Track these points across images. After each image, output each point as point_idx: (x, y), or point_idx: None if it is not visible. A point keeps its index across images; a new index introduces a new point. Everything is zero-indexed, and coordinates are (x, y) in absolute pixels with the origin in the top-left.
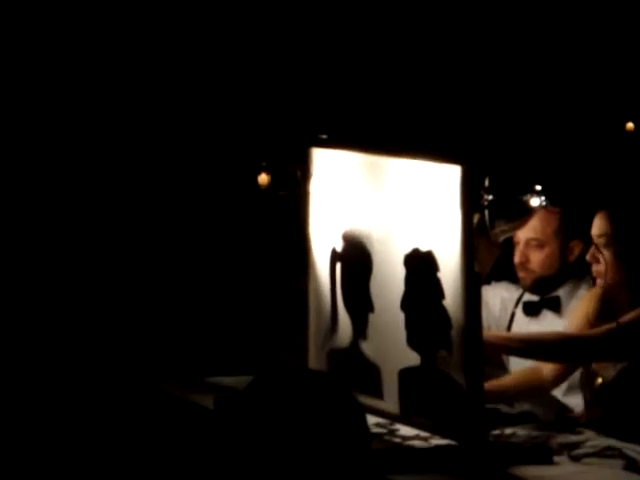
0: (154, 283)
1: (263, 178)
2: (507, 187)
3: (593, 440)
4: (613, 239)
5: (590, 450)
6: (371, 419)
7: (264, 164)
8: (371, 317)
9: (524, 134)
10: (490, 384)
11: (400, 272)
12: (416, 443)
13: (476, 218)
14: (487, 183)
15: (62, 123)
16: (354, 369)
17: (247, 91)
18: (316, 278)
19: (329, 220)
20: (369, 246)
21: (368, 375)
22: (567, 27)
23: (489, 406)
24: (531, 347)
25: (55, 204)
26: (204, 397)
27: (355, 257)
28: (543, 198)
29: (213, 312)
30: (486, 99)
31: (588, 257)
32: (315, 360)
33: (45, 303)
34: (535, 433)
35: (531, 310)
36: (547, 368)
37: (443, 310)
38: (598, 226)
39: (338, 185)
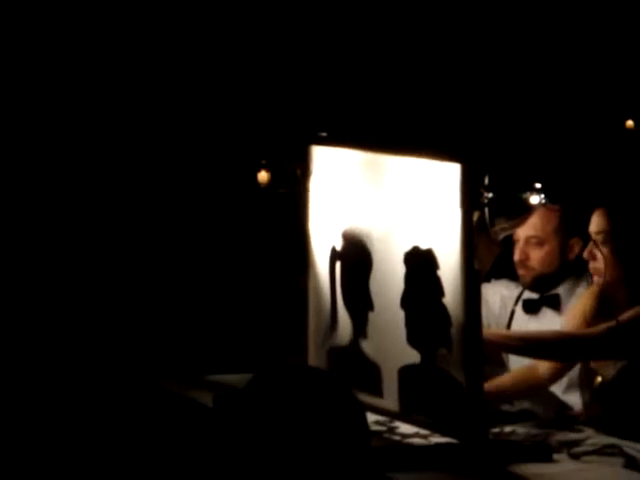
0: (154, 281)
1: (263, 176)
2: (507, 185)
3: (593, 438)
4: (611, 236)
5: (590, 448)
6: (371, 417)
7: (264, 162)
8: (371, 315)
9: (524, 132)
10: (488, 385)
11: (400, 270)
12: (416, 441)
13: (476, 216)
14: (487, 181)
15: (62, 123)
16: (354, 367)
17: (247, 89)
18: (316, 276)
19: (329, 218)
20: (369, 244)
21: (368, 373)
22: (567, 27)
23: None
24: (530, 345)
25: (55, 204)
26: (203, 395)
27: (355, 255)
28: (543, 196)
29: (213, 310)
30: (486, 97)
31: (585, 254)
32: (315, 358)
33: (45, 302)
34: (535, 431)
35: (531, 308)
36: (543, 366)
37: (443, 308)
38: (596, 223)
39: (338, 183)
